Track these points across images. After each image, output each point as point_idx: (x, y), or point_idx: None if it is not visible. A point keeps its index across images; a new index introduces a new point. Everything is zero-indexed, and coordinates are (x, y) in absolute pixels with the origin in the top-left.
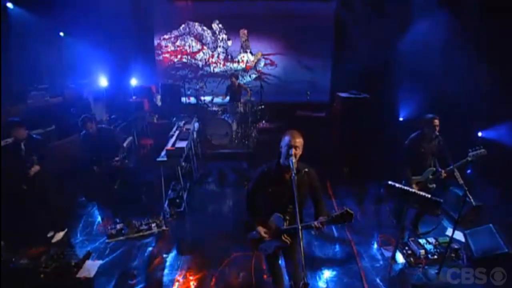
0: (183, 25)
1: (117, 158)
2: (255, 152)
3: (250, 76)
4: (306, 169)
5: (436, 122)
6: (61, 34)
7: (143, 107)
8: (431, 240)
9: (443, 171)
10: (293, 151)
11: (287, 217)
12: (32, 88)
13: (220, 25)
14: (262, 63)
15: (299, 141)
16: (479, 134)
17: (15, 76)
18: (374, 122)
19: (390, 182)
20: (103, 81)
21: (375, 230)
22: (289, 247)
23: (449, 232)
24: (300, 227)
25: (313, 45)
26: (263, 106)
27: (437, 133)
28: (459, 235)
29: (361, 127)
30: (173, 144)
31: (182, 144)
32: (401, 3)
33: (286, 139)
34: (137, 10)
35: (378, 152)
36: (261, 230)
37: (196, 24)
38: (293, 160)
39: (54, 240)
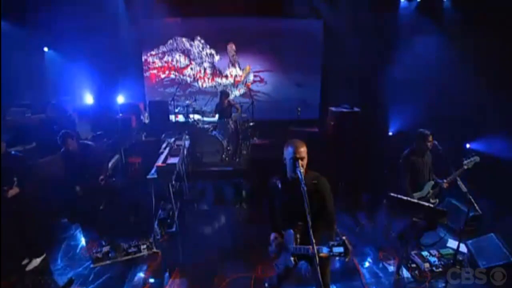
0: (170, 41)
1: (101, 177)
2: (247, 169)
3: (239, 90)
4: (315, 181)
5: (429, 137)
6: (45, 49)
7: (131, 125)
8: (434, 252)
9: (445, 181)
10: (299, 162)
11: (298, 235)
12: (12, 104)
13: (202, 41)
14: (251, 77)
15: (303, 150)
16: (467, 145)
17: None
18: (366, 136)
19: (392, 194)
20: (88, 98)
21: (375, 244)
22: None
23: (449, 243)
24: (311, 249)
25: (302, 62)
26: (252, 123)
27: (430, 148)
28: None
29: (355, 141)
30: (164, 161)
31: (173, 160)
32: (390, 19)
33: (289, 150)
34: (124, 26)
35: (373, 166)
36: (275, 243)
37: (184, 39)
38: (301, 171)
39: (29, 268)
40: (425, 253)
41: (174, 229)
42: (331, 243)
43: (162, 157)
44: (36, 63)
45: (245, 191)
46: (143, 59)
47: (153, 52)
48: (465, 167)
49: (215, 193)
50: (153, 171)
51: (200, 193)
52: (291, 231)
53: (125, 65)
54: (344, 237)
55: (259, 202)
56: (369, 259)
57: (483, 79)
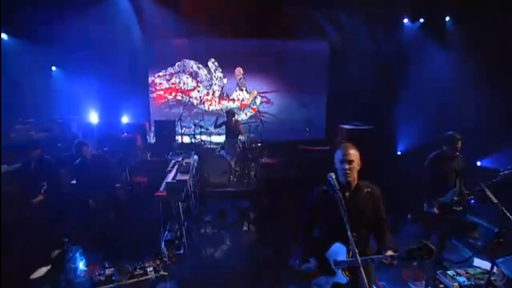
0: (178, 63)
1: (118, 185)
2: (255, 190)
3: (245, 114)
4: (369, 188)
5: (458, 141)
6: (53, 68)
7: (136, 144)
8: (461, 271)
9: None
10: (346, 165)
11: (351, 246)
12: (16, 121)
13: (216, 63)
14: (258, 101)
15: (353, 153)
16: (478, 163)
17: None
18: (377, 154)
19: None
20: (93, 117)
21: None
22: (354, 285)
23: (475, 262)
24: (359, 261)
25: (308, 82)
26: (260, 144)
27: (457, 153)
28: (485, 264)
29: (367, 159)
30: (174, 178)
31: (184, 177)
32: (394, 39)
33: (338, 153)
34: (132, 47)
35: (387, 183)
36: (315, 261)
37: (192, 62)
38: (350, 175)
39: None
40: (451, 272)
41: (182, 250)
42: (409, 247)
43: (171, 175)
44: (43, 82)
45: (253, 213)
46: (150, 80)
47: (160, 74)
48: (499, 177)
49: (223, 214)
50: (162, 187)
51: (208, 214)
52: (339, 244)
53: (131, 85)
54: (423, 240)
55: (268, 224)
56: (394, 281)
57: (491, 97)
